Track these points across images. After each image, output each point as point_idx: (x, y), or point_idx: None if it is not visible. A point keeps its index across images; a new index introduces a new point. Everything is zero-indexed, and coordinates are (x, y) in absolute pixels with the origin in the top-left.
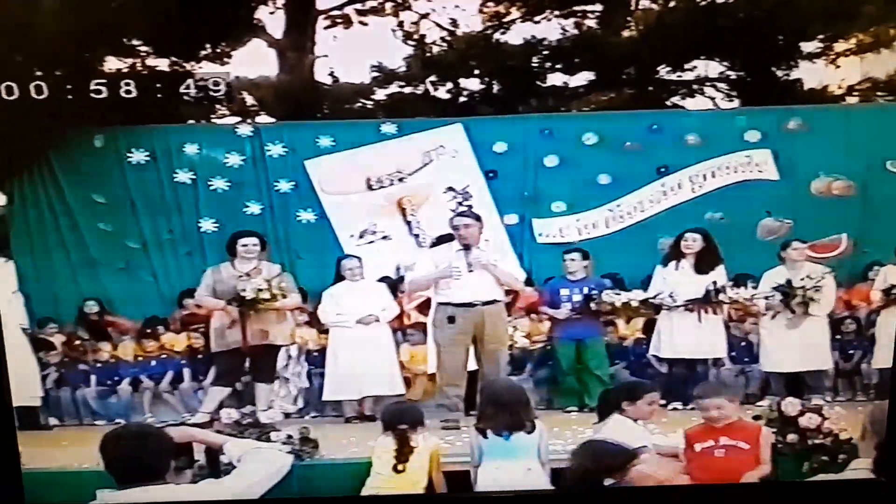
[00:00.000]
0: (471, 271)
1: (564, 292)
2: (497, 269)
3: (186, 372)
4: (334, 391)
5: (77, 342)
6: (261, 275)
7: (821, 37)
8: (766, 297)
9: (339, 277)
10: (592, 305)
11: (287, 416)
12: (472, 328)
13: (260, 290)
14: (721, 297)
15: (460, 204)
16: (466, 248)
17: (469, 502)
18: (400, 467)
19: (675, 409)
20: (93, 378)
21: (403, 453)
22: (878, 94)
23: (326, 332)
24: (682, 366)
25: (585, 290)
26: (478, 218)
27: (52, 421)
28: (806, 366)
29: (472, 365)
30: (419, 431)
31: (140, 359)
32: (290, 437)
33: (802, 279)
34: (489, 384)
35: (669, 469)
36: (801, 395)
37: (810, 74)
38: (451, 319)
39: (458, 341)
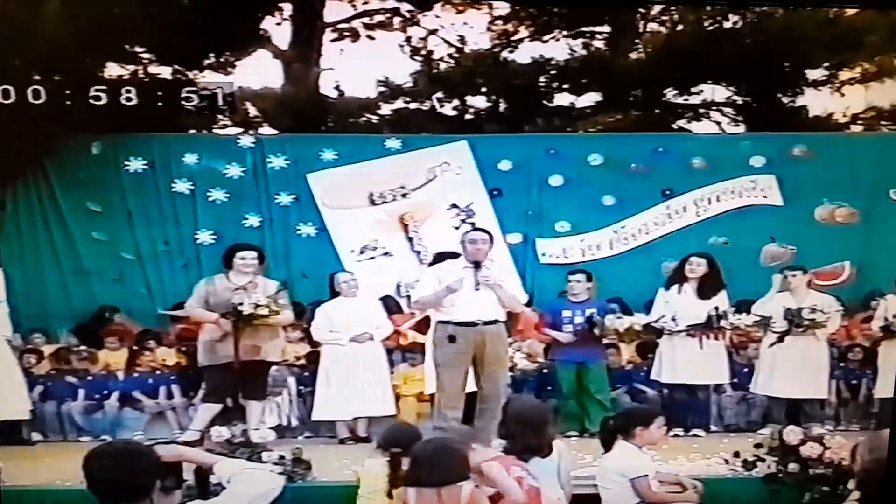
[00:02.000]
0: (477, 290)
1: (566, 314)
2: (501, 290)
3: (176, 388)
4: (325, 411)
5: (76, 348)
6: (256, 289)
7: (826, 65)
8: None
9: (334, 294)
10: (595, 330)
11: (280, 436)
12: (472, 348)
13: (258, 305)
14: (723, 322)
15: (463, 221)
16: (476, 265)
17: None
18: (393, 493)
19: (675, 435)
20: (80, 392)
21: (398, 478)
22: (883, 123)
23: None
24: (683, 391)
25: (588, 313)
26: (491, 236)
27: (36, 436)
28: (803, 393)
29: (470, 386)
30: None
31: (133, 374)
32: (282, 457)
33: (813, 311)
34: (513, 401)
35: None
36: (800, 423)
37: (815, 102)
38: (452, 338)
39: (458, 361)
